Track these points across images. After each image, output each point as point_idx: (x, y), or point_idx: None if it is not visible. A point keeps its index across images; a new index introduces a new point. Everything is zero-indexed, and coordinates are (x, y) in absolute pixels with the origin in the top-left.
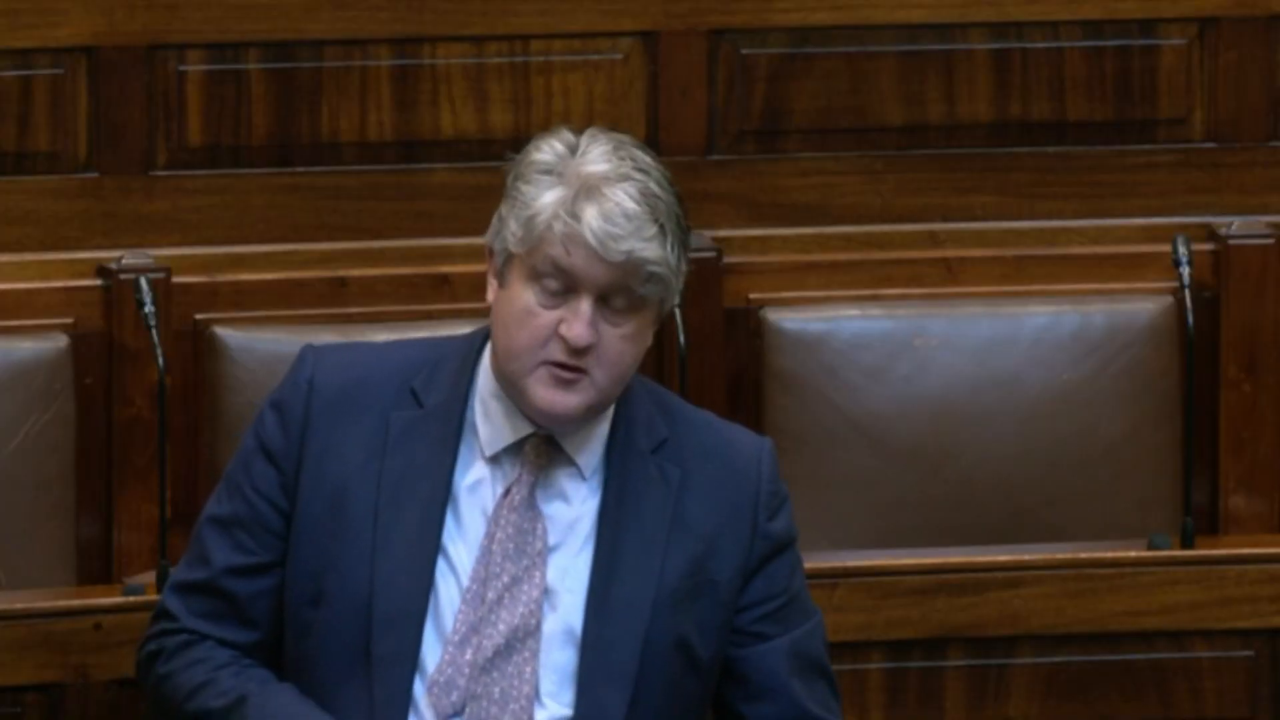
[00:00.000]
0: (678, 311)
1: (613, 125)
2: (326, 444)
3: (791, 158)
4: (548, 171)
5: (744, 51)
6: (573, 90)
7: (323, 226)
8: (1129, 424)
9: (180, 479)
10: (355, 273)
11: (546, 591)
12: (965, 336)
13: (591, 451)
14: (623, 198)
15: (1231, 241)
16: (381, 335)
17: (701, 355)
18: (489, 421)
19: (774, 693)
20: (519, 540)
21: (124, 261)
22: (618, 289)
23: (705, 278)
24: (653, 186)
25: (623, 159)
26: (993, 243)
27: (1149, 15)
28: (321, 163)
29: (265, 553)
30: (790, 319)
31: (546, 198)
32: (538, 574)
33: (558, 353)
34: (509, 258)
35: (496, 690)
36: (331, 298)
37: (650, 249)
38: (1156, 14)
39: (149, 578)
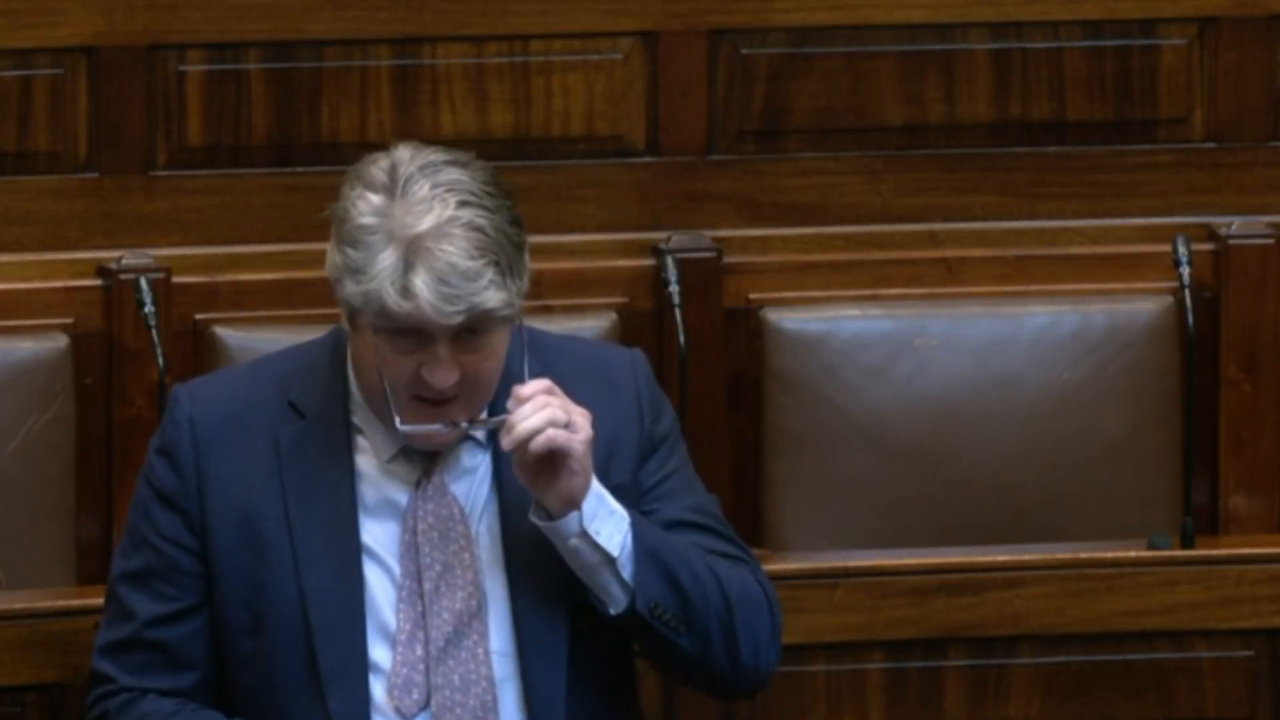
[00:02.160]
0: (677, 311)
1: (613, 125)
2: (222, 475)
3: (791, 158)
4: (373, 232)
5: (744, 51)
6: (573, 90)
7: (323, 226)
8: (1129, 424)
9: None
10: None
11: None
12: (965, 336)
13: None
14: (453, 253)
15: (1231, 241)
16: None
17: (701, 355)
18: (374, 428)
19: None
20: (442, 528)
21: (124, 261)
22: (467, 330)
23: (705, 278)
24: (480, 218)
25: (444, 197)
26: (993, 243)
27: (1149, 15)
28: (321, 163)
29: (187, 597)
30: (790, 319)
31: (378, 264)
32: (467, 555)
33: (424, 389)
34: (353, 310)
35: (456, 677)
36: (331, 298)
37: (489, 297)
38: (1156, 14)
39: None
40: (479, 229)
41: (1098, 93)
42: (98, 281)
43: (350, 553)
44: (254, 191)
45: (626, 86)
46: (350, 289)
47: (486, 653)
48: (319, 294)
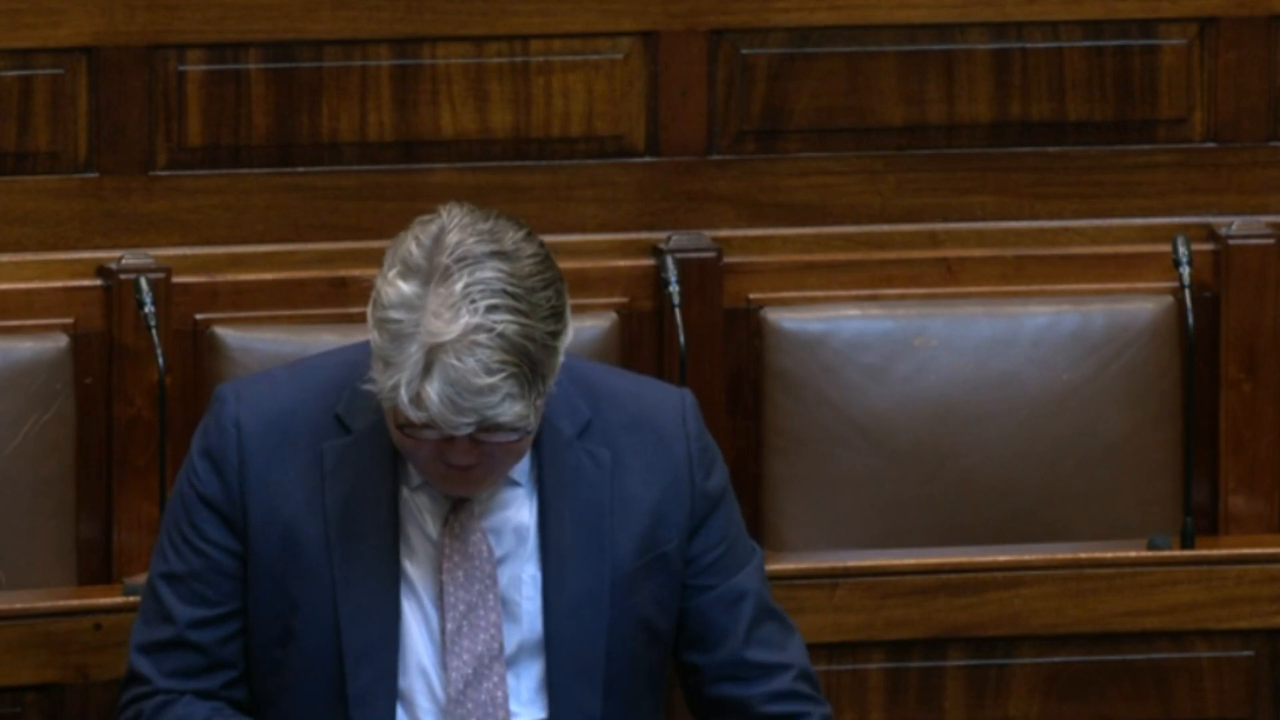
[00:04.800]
0: (677, 311)
1: (613, 125)
2: (265, 483)
3: (791, 158)
4: (399, 324)
5: (744, 51)
6: (573, 90)
7: (323, 226)
8: (1129, 424)
9: None
10: (355, 273)
11: (504, 604)
12: (965, 336)
13: None
14: (471, 367)
15: (1231, 241)
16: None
17: (701, 355)
18: None
19: (715, 642)
20: (467, 567)
21: (124, 261)
22: (483, 431)
23: (705, 278)
24: (509, 325)
25: (475, 300)
26: (993, 243)
27: (1149, 15)
28: (321, 163)
29: (228, 601)
30: (790, 319)
31: (399, 360)
32: (491, 596)
33: (446, 459)
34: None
35: (472, 719)
36: (331, 298)
37: (502, 411)
38: (1156, 14)
39: None
40: (505, 337)
41: (1098, 93)
42: (98, 281)
43: (388, 581)
44: (254, 191)
45: (626, 86)
46: (375, 370)
47: (505, 696)
48: (319, 294)
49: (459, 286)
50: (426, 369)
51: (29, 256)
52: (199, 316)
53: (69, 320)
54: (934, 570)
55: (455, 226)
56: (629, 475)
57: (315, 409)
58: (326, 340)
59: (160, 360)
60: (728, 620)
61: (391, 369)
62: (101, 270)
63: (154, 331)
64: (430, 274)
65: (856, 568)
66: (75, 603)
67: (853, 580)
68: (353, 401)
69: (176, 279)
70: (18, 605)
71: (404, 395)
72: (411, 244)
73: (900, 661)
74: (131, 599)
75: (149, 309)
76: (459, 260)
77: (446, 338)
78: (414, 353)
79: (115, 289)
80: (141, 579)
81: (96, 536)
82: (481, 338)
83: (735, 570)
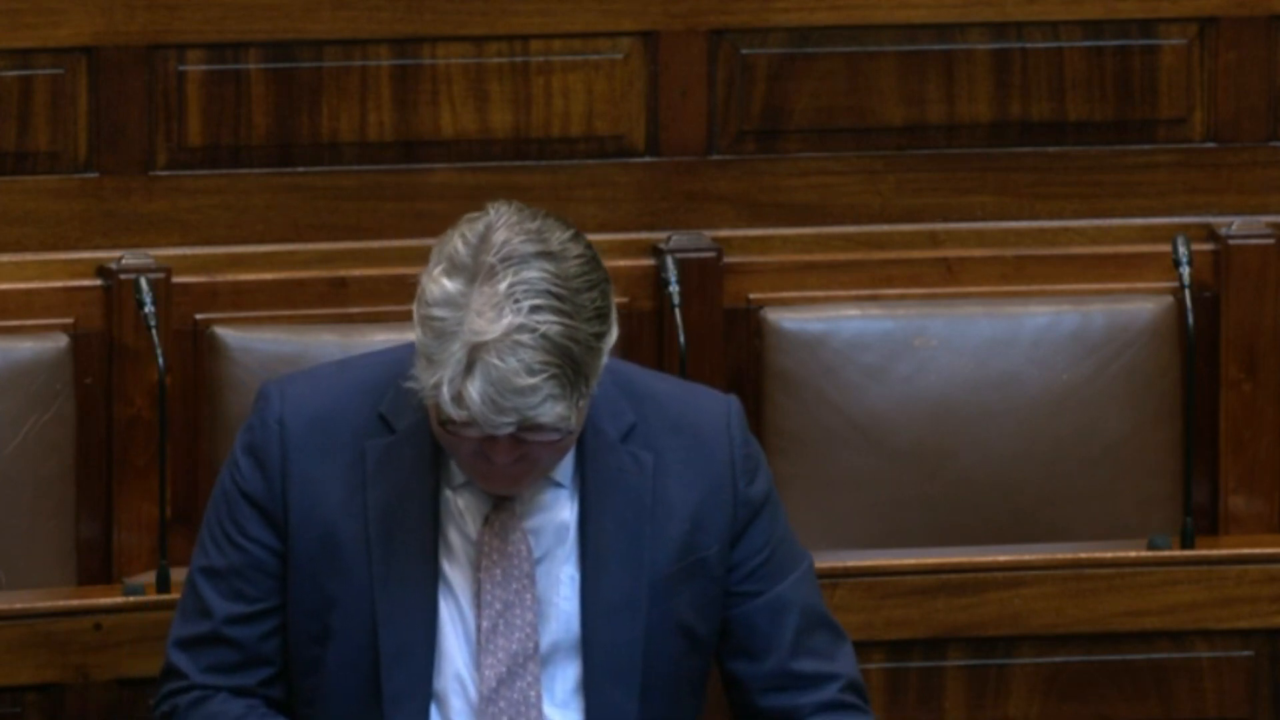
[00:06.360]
0: (677, 311)
1: (613, 125)
2: (307, 481)
3: (791, 158)
4: (442, 322)
5: (744, 51)
6: (573, 90)
7: (323, 226)
8: (1129, 424)
9: (180, 479)
10: (355, 273)
11: (540, 604)
12: (965, 336)
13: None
14: (513, 366)
15: (1231, 241)
16: (381, 335)
17: (701, 355)
18: None
19: (761, 651)
20: (505, 565)
21: (124, 261)
22: (525, 430)
23: (705, 278)
24: (552, 326)
25: (519, 300)
26: (993, 243)
27: (1149, 15)
28: (321, 163)
29: (268, 598)
30: (790, 319)
31: (442, 359)
32: (529, 596)
33: (490, 459)
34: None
35: (505, 718)
36: (331, 298)
37: (544, 411)
38: (1156, 14)
39: (149, 578)
40: (548, 338)
41: (1098, 93)
42: (98, 281)
43: (426, 581)
44: (254, 191)
45: (626, 86)
46: (418, 367)
47: (538, 696)
48: (319, 294)
49: (503, 286)
50: (468, 368)
51: (29, 256)
52: (199, 316)
53: (69, 320)
54: (934, 570)
55: (502, 225)
56: (670, 478)
57: (359, 407)
58: (326, 340)
59: (160, 360)
60: (773, 629)
61: (434, 366)
62: (101, 270)
63: (154, 331)
64: (475, 272)
65: (856, 568)
66: (75, 603)
67: (853, 580)
68: (397, 401)
69: (176, 279)
70: (18, 605)
71: (445, 393)
72: (458, 241)
73: (900, 661)
74: (131, 599)
75: (149, 309)
76: (504, 259)
77: (489, 337)
78: (456, 351)
79: (115, 289)
80: (141, 579)
81: (96, 536)
82: (524, 338)
83: (781, 577)
